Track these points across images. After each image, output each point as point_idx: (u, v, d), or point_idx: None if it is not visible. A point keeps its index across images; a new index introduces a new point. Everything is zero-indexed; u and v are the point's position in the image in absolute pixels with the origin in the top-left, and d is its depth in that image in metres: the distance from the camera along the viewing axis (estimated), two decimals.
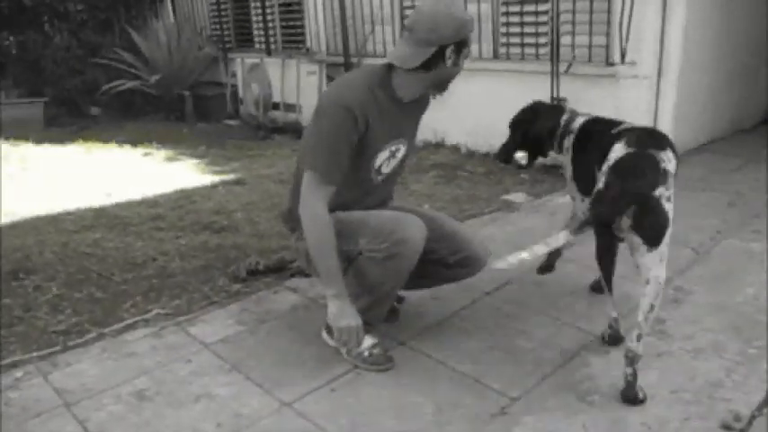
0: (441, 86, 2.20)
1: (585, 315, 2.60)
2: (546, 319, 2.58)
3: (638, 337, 1.98)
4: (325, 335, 2.40)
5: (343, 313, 2.13)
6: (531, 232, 3.60)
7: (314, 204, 2.08)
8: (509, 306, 2.70)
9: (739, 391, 2.04)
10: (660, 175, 1.95)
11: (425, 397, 2.08)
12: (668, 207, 1.94)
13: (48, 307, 2.81)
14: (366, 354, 2.26)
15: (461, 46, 2.09)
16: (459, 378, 2.19)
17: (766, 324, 2.46)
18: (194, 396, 2.12)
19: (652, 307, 1.98)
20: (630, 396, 2.00)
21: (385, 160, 2.25)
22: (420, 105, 2.35)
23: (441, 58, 2.07)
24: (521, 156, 2.60)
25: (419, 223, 2.14)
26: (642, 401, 1.99)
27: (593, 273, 2.98)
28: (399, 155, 2.29)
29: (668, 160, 2.01)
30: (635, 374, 1.99)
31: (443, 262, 2.34)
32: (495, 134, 5.38)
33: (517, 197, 4.29)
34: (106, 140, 6.61)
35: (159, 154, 6.07)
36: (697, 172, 4.67)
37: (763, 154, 5.07)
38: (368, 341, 2.28)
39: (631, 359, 1.99)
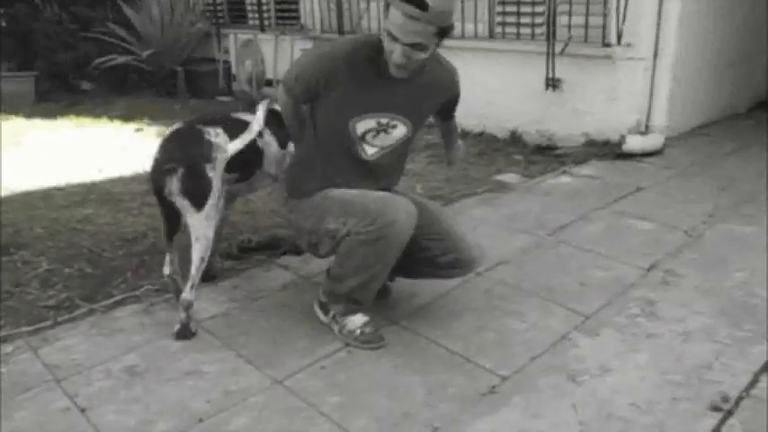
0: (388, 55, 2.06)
1: (576, 296, 2.60)
2: (536, 299, 2.59)
3: (192, 288, 2.29)
4: (317, 310, 2.40)
5: None
6: (524, 213, 3.60)
7: (282, 98, 2.30)
8: (500, 287, 2.70)
9: (728, 374, 2.06)
10: (204, 146, 2.25)
11: (416, 376, 2.09)
12: (212, 174, 2.24)
13: (38, 282, 2.80)
14: (358, 332, 2.26)
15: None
16: (450, 357, 2.19)
17: (755, 308, 2.47)
18: (184, 372, 2.12)
19: (202, 260, 2.29)
20: (184, 334, 2.31)
21: (371, 130, 2.18)
22: (425, 86, 2.20)
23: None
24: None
25: (408, 205, 2.10)
26: (194, 335, 2.32)
27: (586, 254, 3.00)
28: (395, 133, 2.22)
29: (216, 135, 2.29)
30: (188, 318, 2.31)
31: (434, 261, 2.30)
32: (489, 114, 5.41)
33: (510, 178, 4.29)
34: (98, 115, 6.56)
35: (151, 130, 6.00)
36: (690, 156, 4.67)
37: (757, 138, 5.08)
38: (360, 319, 2.28)
39: (186, 306, 2.29)
